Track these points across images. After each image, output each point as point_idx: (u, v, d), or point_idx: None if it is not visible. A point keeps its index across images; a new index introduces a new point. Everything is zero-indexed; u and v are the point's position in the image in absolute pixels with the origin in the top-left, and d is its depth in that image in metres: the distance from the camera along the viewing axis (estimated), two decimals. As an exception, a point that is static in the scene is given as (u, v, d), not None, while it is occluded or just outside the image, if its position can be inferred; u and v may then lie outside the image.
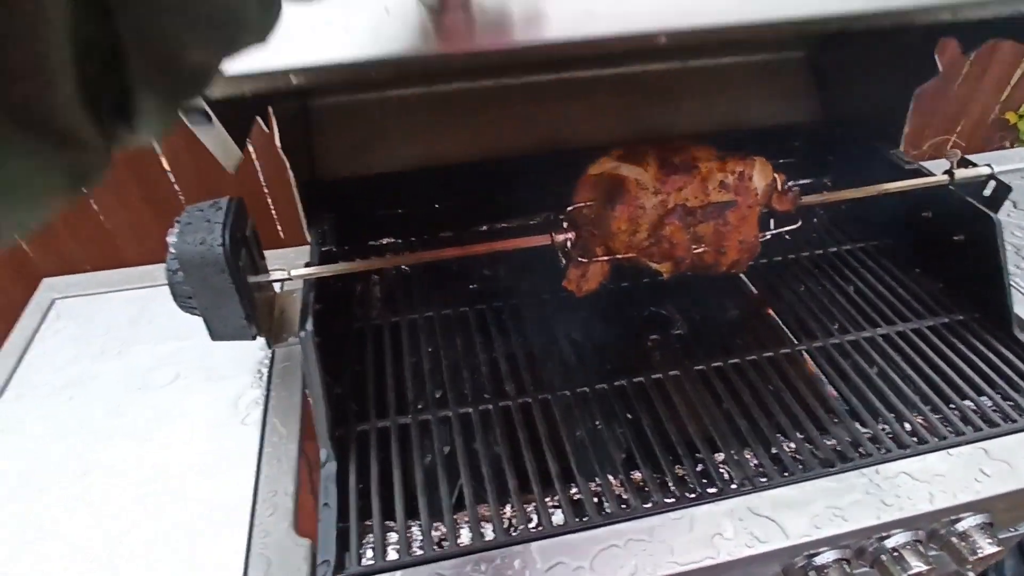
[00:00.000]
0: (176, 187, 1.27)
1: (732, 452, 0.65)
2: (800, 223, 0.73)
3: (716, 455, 0.66)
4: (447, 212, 0.96)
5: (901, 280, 0.86)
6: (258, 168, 1.29)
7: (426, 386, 0.75)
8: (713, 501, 0.61)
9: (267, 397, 0.72)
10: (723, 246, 0.69)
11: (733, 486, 0.62)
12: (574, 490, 0.64)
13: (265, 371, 0.75)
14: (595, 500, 0.62)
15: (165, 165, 1.23)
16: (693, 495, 0.62)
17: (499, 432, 0.69)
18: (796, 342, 0.78)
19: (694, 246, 0.68)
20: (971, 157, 0.82)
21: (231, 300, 0.63)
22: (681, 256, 0.68)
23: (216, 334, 0.66)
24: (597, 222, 0.69)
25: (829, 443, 0.67)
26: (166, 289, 0.63)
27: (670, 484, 0.63)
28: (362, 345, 0.80)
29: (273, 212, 1.34)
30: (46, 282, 0.89)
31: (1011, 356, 0.74)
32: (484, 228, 0.97)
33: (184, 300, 0.64)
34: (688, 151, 0.69)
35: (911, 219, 0.88)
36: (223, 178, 1.25)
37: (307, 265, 0.74)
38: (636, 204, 0.66)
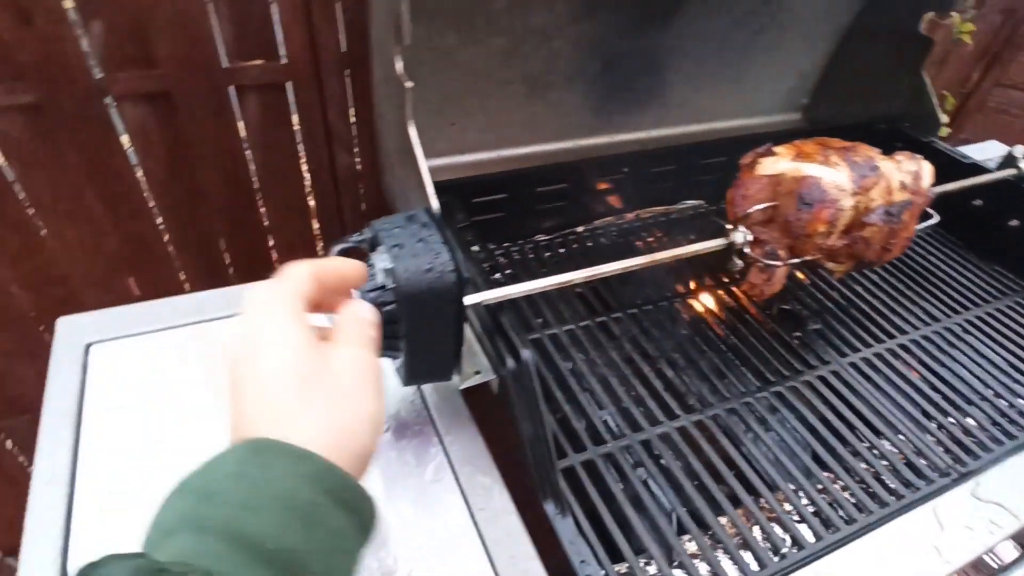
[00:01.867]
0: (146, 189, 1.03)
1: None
2: (939, 218, 0.77)
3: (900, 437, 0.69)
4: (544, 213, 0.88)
5: (964, 265, 0.95)
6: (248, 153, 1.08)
7: (606, 407, 0.69)
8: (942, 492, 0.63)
9: (441, 442, 0.61)
10: (891, 243, 0.71)
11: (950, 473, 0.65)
12: (804, 501, 0.63)
13: (421, 411, 0.64)
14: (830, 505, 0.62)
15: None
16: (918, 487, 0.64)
17: (706, 448, 0.66)
18: (897, 334, 0.83)
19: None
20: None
21: (448, 335, 0.52)
22: (869, 256, 0.69)
23: (414, 377, 0.55)
24: (784, 224, 0.67)
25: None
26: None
27: (887, 481, 0.64)
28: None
29: (261, 207, 1.14)
30: (64, 322, 0.68)
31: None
32: (580, 229, 0.91)
33: (387, 342, 0.52)
34: (859, 149, 0.69)
35: (960, 207, 0.97)
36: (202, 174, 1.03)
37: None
38: (836, 206, 0.65)
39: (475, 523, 0.56)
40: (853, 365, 0.77)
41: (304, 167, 1.13)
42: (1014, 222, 0.91)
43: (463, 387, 0.60)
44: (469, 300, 0.52)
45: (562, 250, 0.88)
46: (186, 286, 1.17)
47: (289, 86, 1.03)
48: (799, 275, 0.90)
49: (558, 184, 0.87)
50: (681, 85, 1.01)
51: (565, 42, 0.86)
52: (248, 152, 1.07)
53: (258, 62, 0.99)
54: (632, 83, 0.96)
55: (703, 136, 1.08)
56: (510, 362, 0.58)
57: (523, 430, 0.57)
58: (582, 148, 0.99)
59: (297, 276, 0.35)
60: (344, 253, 0.53)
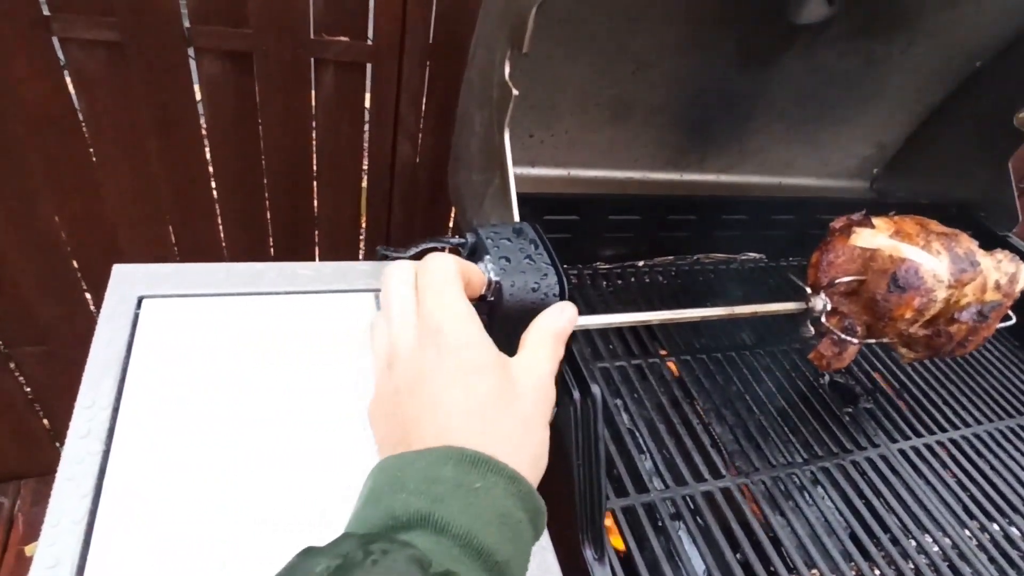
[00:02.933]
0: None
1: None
2: (1015, 320, 0.75)
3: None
4: (609, 241, 0.87)
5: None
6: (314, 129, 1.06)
7: (651, 453, 0.67)
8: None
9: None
10: (969, 339, 0.69)
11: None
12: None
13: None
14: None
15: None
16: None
17: (744, 511, 0.64)
18: (949, 428, 0.81)
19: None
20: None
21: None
22: (945, 349, 0.67)
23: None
24: (869, 301, 0.65)
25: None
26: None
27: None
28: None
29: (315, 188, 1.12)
30: (120, 271, 0.66)
31: None
32: (640, 263, 0.89)
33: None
34: (960, 239, 0.67)
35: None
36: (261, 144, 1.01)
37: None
38: (930, 296, 0.63)
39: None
40: (902, 452, 0.75)
41: (364, 151, 1.12)
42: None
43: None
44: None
45: (619, 281, 0.86)
46: (224, 249, 1.16)
47: (368, 68, 1.02)
48: (855, 349, 0.88)
49: (630, 215, 0.85)
50: (761, 134, 0.99)
51: (659, 72, 0.84)
52: (312, 128, 1.06)
53: (344, 38, 0.98)
54: (714, 124, 0.95)
55: (771, 189, 1.07)
56: (576, 394, 0.56)
57: (575, 468, 0.55)
58: (652, 182, 0.97)
59: (450, 269, 0.36)
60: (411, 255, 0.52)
